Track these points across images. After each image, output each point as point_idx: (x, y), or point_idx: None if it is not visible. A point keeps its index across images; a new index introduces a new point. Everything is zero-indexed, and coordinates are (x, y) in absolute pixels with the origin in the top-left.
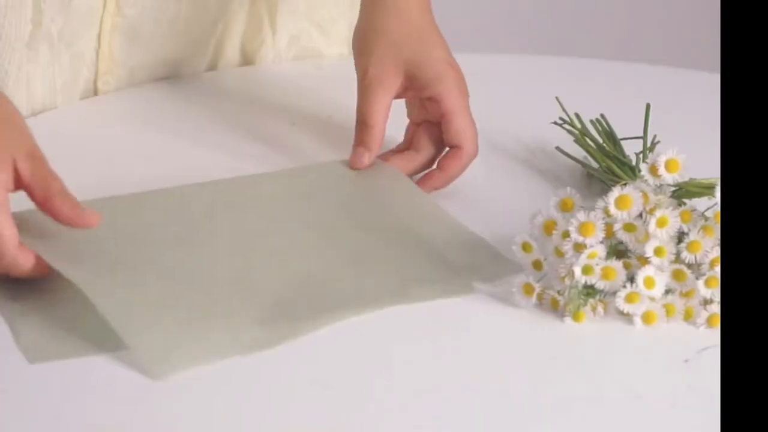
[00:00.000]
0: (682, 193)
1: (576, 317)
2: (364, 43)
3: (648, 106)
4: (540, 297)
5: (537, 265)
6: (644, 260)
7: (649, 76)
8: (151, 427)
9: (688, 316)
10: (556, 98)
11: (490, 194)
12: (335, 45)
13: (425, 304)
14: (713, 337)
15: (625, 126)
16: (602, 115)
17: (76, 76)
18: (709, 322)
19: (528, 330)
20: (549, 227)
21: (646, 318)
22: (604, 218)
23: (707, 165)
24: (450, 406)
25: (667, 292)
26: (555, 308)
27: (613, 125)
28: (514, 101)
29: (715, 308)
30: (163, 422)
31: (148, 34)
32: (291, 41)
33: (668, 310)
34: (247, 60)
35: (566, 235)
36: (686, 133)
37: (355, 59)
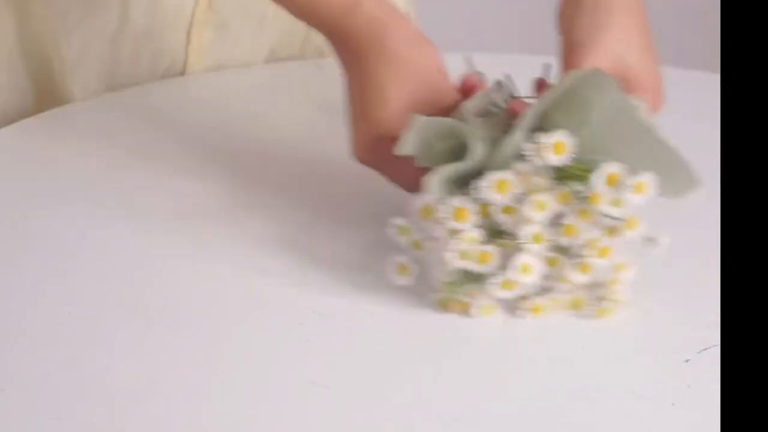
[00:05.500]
0: (563, 175)
1: (444, 304)
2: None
3: (547, 67)
4: (445, 304)
5: (416, 245)
6: (520, 245)
7: None
8: (151, 427)
9: (575, 306)
10: (465, 58)
11: None
12: None
13: (424, 305)
14: (713, 337)
15: None
16: (508, 76)
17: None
18: (597, 313)
19: (528, 330)
20: (426, 212)
21: (532, 309)
22: (481, 202)
23: (707, 165)
24: (449, 406)
25: (545, 278)
26: (464, 311)
27: None
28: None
29: (609, 302)
30: (162, 422)
31: (238, 26)
32: None
33: (555, 302)
34: None
35: (441, 220)
36: (686, 133)
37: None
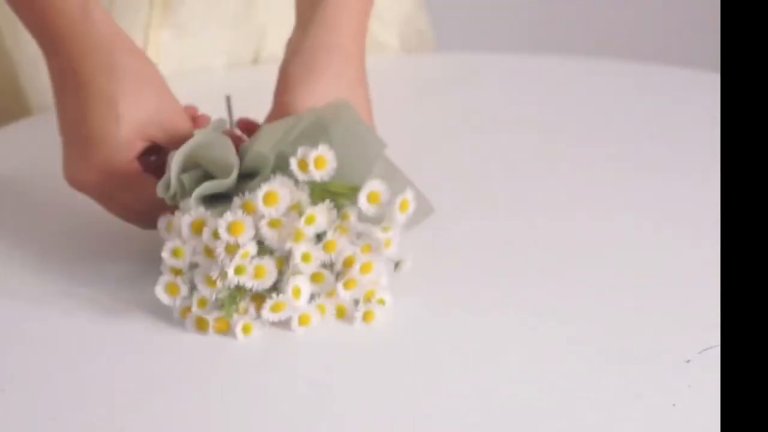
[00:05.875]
0: (322, 194)
1: (221, 325)
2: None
3: (228, 99)
4: (185, 313)
5: (177, 272)
6: (284, 262)
7: (649, 76)
8: (151, 427)
9: (340, 315)
10: (227, 96)
11: (488, 190)
12: (390, 29)
13: (422, 304)
14: (714, 337)
15: (624, 126)
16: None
17: None
18: (364, 318)
19: (530, 329)
20: (197, 227)
21: (301, 320)
22: (253, 216)
23: (707, 164)
24: (449, 405)
25: (313, 297)
26: (203, 329)
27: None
28: (514, 101)
29: (371, 305)
30: (162, 423)
31: (198, 27)
32: None
33: (321, 309)
34: None
35: (217, 236)
36: (686, 133)
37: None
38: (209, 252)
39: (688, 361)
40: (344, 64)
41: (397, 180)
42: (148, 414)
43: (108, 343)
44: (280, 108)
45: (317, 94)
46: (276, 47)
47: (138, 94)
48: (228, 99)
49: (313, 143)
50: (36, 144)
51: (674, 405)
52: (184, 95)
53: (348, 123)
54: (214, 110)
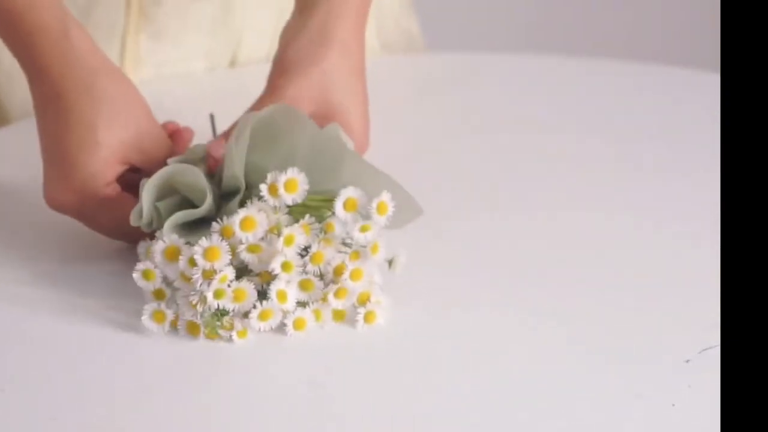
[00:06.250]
0: (301, 209)
1: (211, 335)
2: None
3: (211, 117)
4: (174, 323)
5: (159, 294)
6: (269, 275)
7: (649, 76)
8: (151, 427)
9: (338, 318)
10: (211, 115)
11: (488, 190)
12: (368, 27)
13: (422, 304)
14: (714, 337)
15: (624, 126)
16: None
17: None
18: (366, 319)
19: (530, 329)
20: (172, 254)
21: (296, 325)
22: (229, 241)
23: (707, 164)
24: (449, 405)
25: (302, 304)
26: (194, 334)
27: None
28: (514, 101)
29: (371, 306)
30: (162, 423)
31: (176, 33)
32: None
33: (317, 315)
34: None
35: (193, 262)
36: (686, 133)
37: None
38: (186, 278)
39: (688, 361)
40: (344, 55)
41: (376, 180)
42: (148, 414)
43: (108, 344)
44: (273, 90)
45: (314, 80)
46: (252, 52)
47: (117, 118)
48: (212, 116)
49: (275, 155)
50: (26, 148)
51: (674, 405)
52: (166, 100)
53: (311, 133)
54: (197, 113)
